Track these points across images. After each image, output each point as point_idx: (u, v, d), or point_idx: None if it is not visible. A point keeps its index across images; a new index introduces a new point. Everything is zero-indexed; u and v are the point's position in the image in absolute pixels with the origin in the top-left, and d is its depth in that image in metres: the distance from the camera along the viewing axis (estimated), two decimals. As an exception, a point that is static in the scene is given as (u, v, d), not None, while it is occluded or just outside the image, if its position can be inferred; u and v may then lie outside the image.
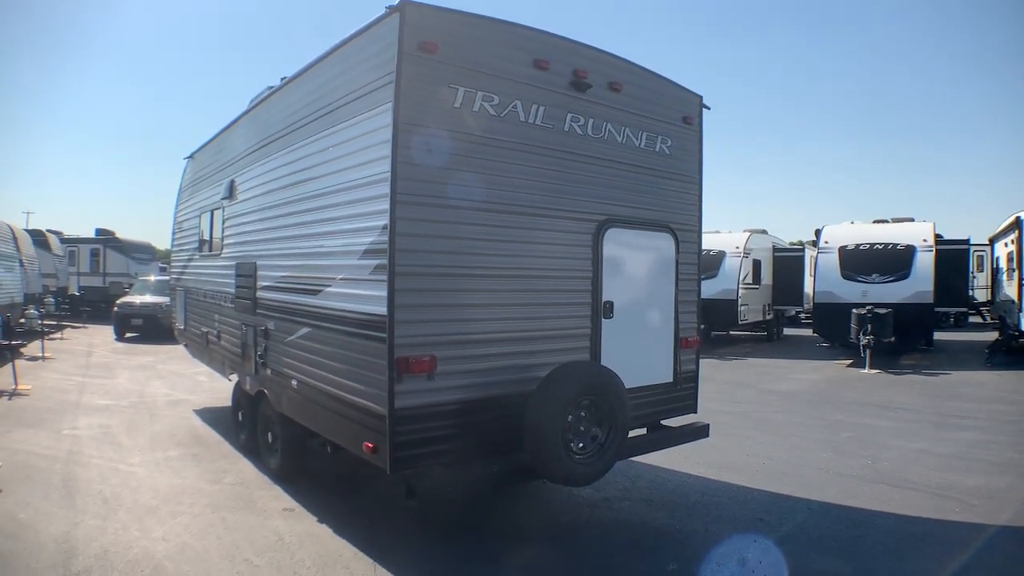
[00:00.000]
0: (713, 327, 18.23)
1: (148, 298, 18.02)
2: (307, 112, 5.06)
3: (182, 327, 9.20)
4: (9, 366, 10.35)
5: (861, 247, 15.55)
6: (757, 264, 18.88)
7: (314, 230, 4.88)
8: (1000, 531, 4.86)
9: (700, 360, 5.84)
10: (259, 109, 6.29)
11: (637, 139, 5.12)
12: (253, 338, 5.98)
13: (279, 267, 5.50)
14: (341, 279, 4.43)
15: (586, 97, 4.72)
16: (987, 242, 19.28)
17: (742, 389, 11.37)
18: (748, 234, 18.47)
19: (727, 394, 10.61)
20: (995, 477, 6.16)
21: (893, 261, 15.04)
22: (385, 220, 3.82)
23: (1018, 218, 13.49)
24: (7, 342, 12.72)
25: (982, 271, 22.07)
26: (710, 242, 16.81)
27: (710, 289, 16.20)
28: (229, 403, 7.45)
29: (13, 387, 9.78)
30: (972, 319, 23.86)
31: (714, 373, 12.54)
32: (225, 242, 7.04)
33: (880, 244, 15.44)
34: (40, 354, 13.44)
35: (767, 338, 20.05)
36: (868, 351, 13.40)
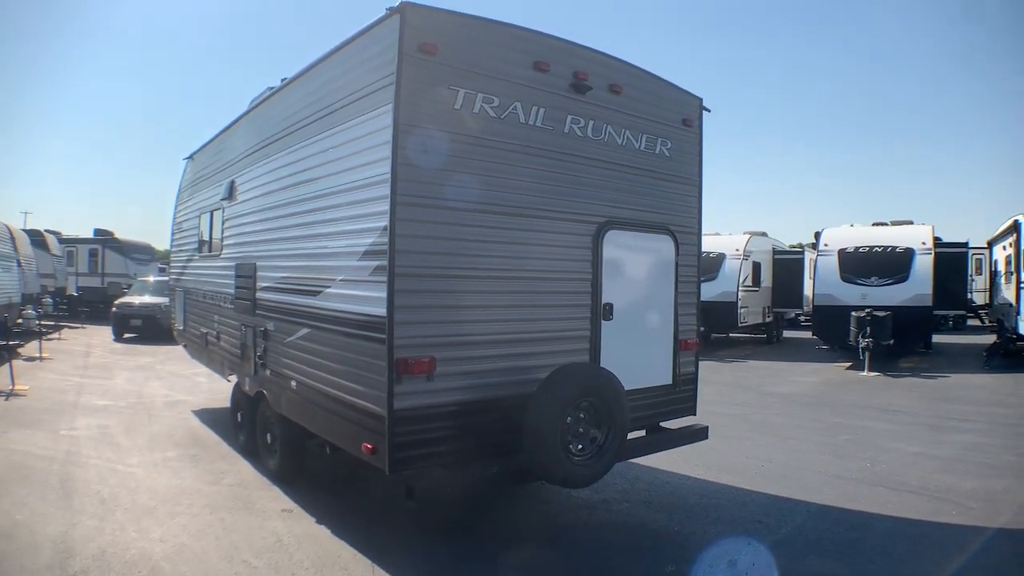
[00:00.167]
0: (713, 329, 18.23)
1: (147, 299, 17.99)
2: (307, 113, 5.07)
3: (181, 328, 9.20)
4: (6, 366, 10.30)
5: (860, 250, 15.58)
6: (757, 266, 18.90)
7: (314, 231, 4.88)
8: (997, 533, 4.87)
9: (699, 362, 5.85)
10: (259, 110, 6.30)
11: (637, 141, 5.12)
12: (252, 339, 5.98)
13: (279, 268, 5.50)
14: (341, 280, 4.43)
15: (586, 99, 4.72)
16: (985, 245, 19.32)
17: (741, 391, 11.38)
18: (748, 236, 18.48)
19: (726, 396, 10.61)
20: (992, 480, 6.17)
21: (892, 264, 15.08)
22: (385, 221, 3.82)
23: (1016, 221, 13.52)
24: (4, 342, 12.66)
25: (980, 274, 22.14)
26: (710, 244, 16.86)
27: (710, 291, 16.19)
28: (228, 404, 7.44)
29: (10, 387, 9.75)
30: (970, 322, 23.89)
31: (713, 375, 12.53)
32: (225, 243, 7.04)
33: (879, 247, 15.47)
34: (38, 354, 13.42)
35: (767, 340, 20.06)
36: (867, 354, 13.41)
